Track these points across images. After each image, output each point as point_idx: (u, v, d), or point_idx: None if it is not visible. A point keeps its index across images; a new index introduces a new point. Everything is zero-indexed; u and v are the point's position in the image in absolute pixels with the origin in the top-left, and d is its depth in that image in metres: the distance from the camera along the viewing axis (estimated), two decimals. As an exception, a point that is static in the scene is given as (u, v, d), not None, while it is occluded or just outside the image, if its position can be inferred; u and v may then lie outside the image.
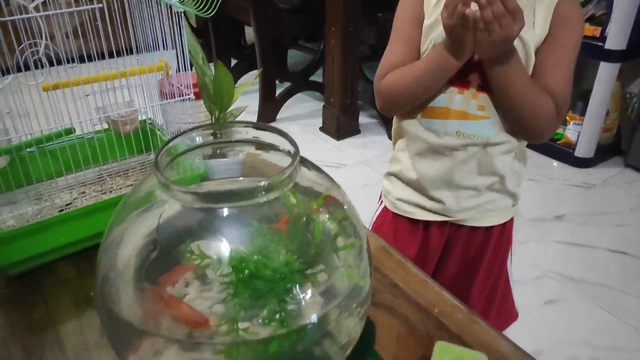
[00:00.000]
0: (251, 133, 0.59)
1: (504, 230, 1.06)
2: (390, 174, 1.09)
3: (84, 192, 0.88)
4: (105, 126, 0.90)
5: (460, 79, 0.92)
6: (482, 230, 1.04)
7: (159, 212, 0.53)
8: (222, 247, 0.50)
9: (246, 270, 0.49)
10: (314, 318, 0.48)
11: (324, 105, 3.00)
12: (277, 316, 0.46)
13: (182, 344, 0.46)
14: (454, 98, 0.93)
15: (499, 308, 1.10)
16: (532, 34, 0.88)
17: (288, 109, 3.25)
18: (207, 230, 0.51)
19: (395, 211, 1.08)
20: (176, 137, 0.55)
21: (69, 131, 0.82)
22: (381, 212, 1.13)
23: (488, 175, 0.98)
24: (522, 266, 1.89)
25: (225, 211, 0.48)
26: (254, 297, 0.48)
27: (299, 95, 3.32)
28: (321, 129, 3.06)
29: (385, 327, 0.66)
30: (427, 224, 1.05)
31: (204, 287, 0.54)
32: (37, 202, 0.85)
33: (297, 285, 0.49)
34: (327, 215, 0.55)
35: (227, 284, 0.48)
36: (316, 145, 2.91)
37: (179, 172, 0.78)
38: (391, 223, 1.09)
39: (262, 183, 0.46)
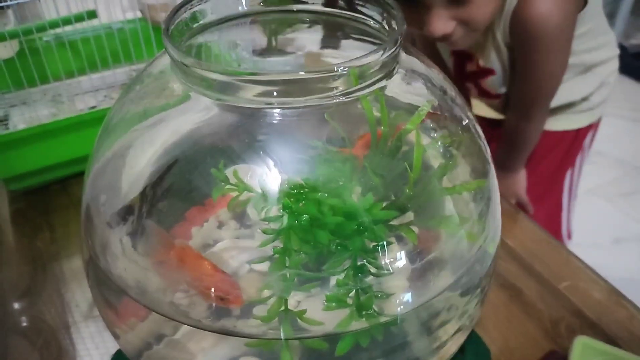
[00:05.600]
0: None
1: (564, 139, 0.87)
2: None
3: (112, 98, 0.71)
4: (139, 14, 0.72)
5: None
6: None
7: (174, 117, 0.35)
8: (268, 175, 0.32)
9: (304, 215, 0.31)
10: (407, 302, 0.29)
11: None
12: (351, 296, 0.28)
13: (197, 326, 0.30)
14: None
15: None
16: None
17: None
18: (244, 148, 0.32)
19: None
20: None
21: (92, 14, 0.65)
22: None
23: None
24: (625, 221, 1.60)
25: (277, 115, 0.29)
26: (313, 258, 0.30)
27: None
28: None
29: (490, 304, 0.48)
30: None
31: (245, 231, 0.37)
32: (54, 104, 0.69)
33: (384, 243, 0.30)
34: (433, 137, 0.35)
35: (274, 233, 0.30)
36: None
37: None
38: None
39: (341, 67, 0.27)
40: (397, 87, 0.31)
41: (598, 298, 0.48)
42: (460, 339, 0.34)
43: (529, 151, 0.83)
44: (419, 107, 0.31)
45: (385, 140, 0.37)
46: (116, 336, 0.35)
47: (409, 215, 0.34)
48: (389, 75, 0.30)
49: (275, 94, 0.28)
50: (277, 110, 0.28)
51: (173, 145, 0.35)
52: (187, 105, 0.32)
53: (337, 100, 0.28)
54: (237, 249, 0.36)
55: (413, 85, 0.32)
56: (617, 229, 1.44)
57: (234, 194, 0.36)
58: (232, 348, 0.33)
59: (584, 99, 0.84)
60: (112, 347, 0.45)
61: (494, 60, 0.77)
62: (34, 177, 0.59)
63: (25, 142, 0.56)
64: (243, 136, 0.32)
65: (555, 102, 0.80)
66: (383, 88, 0.30)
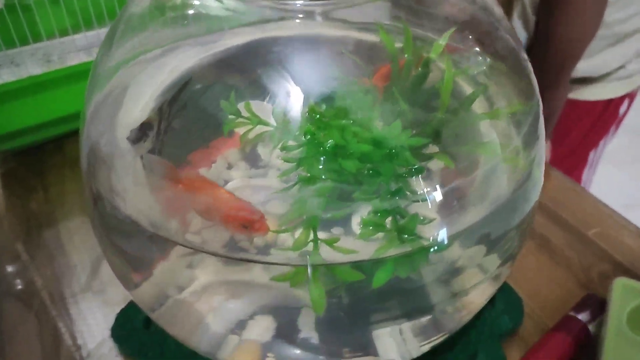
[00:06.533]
0: None
1: (593, 110, 0.82)
2: None
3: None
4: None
5: None
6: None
7: (180, 41, 0.32)
8: (286, 101, 0.29)
9: (330, 141, 0.28)
10: (450, 229, 0.26)
11: None
12: (389, 221, 0.25)
13: (218, 259, 0.27)
14: None
15: None
16: None
17: None
18: (258, 66, 0.29)
19: None
20: None
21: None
22: None
23: None
24: (635, 187, 1.58)
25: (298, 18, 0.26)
26: (338, 188, 0.27)
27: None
28: None
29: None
30: None
31: (257, 171, 0.34)
32: (45, 63, 0.65)
33: (418, 169, 0.27)
34: (467, 56, 0.32)
35: (295, 161, 0.27)
36: None
37: None
38: None
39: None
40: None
41: (629, 243, 0.45)
42: (497, 283, 0.31)
43: (554, 122, 0.78)
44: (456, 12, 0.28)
45: (410, 65, 0.34)
46: (130, 286, 0.32)
47: (441, 143, 0.31)
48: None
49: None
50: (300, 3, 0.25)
51: (182, 73, 0.32)
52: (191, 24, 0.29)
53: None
54: (251, 188, 0.33)
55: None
56: (626, 195, 1.42)
57: (245, 128, 0.33)
58: (248, 303, 0.30)
59: (620, 67, 0.78)
60: (112, 312, 0.42)
61: (519, 32, 0.73)
62: (25, 135, 0.55)
63: (14, 96, 0.52)
64: (258, 50, 0.29)
65: (587, 73, 0.75)
66: None
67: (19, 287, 0.45)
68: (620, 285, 0.37)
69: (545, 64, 0.71)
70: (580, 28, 0.67)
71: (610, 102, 0.81)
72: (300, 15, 0.26)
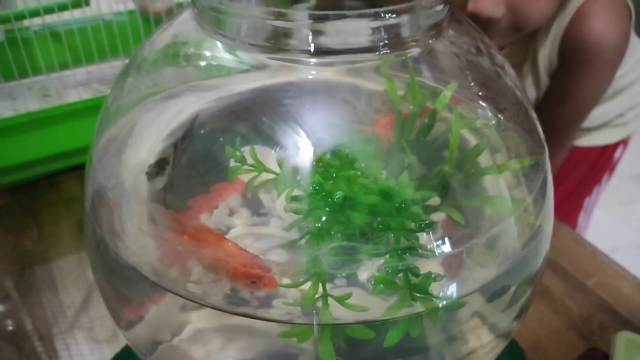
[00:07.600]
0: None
1: (589, 156, 0.83)
2: None
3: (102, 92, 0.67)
4: (131, 5, 0.68)
5: None
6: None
7: (191, 85, 0.32)
8: (293, 151, 0.29)
9: (337, 193, 0.27)
10: (462, 288, 0.26)
11: None
12: (400, 278, 0.24)
13: (220, 312, 0.26)
14: None
15: None
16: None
17: None
18: (263, 125, 0.29)
19: None
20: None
21: (77, 3, 0.61)
22: None
23: None
24: (622, 230, 1.60)
25: (313, 65, 0.26)
26: (346, 240, 0.27)
27: None
28: None
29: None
30: None
31: (258, 219, 0.34)
32: (44, 98, 0.65)
33: (428, 224, 0.27)
34: (476, 112, 0.32)
35: (305, 213, 0.27)
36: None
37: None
38: None
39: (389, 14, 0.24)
40: (446, 48, 0.28)
41: (629, 294, 0.45)
42: (508, 338, 0.30)
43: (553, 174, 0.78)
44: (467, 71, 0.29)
45: (414, 116, 0.35)
46: (125, 328, 0.31)
47: (449, 197, 0.31)
48: (438, 33, 0.27)
49: (311, 39, 0.24)
50: (314, 61, 0.25)
51: (190, 116, 0.32)
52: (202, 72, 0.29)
53: (382, 52, 0.25)
54: (253, 236, 0.33)
55: (461, 49, 0.29)
56: (614, 237, 1.43)
57: (248, 177, 0.33)
58: (246, 349, 0.29)
59: (619, 116, 0.80)
60: (99, 353, 0.41)
61: (528, 89, 0.73)
62: (20, 171, 0.55)
63: (10, 132, 0.52)
64: (264, 96, 0.29)
65: (586, 124, 0.76)
66: (432, 49, 0.27)
67: (10, 328, 0.44)
68: (623, 340, 0.36)
69: (554, 122, 0.70)
70: (597, 88, 0.67)
71: (606, 147, 0.82)
72: (313, 72, 0.26)
